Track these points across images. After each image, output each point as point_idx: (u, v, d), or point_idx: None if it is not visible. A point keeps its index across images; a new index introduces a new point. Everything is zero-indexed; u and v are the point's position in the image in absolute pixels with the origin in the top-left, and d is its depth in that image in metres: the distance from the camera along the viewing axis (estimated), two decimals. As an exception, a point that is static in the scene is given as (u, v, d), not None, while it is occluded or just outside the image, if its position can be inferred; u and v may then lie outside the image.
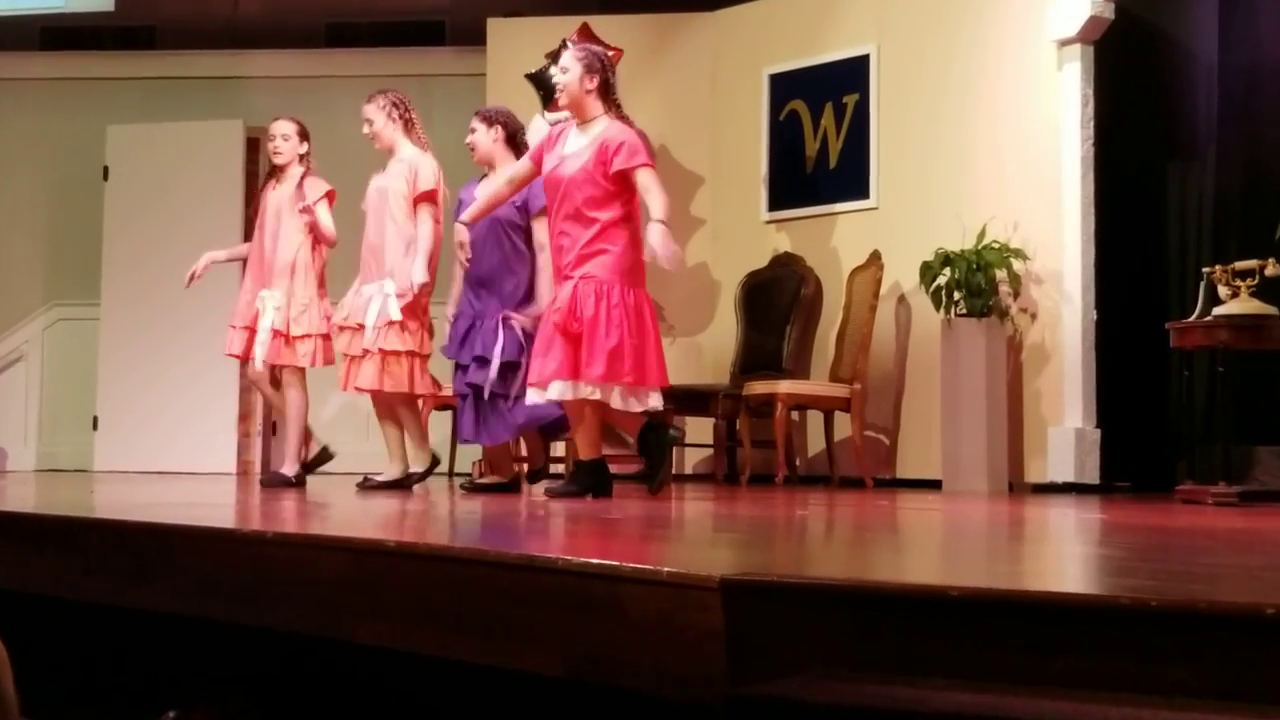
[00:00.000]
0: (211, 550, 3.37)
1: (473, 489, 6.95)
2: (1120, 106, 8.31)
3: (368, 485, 6.92)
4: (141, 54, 11.72)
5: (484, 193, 6.66)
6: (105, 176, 11.12)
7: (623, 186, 6.00)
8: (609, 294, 5.93)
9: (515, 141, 6.97)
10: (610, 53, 9.37)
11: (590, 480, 6.11)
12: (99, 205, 11.09)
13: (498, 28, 10.48)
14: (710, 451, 9.52)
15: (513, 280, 6.83)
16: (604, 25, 9.71)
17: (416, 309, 6.91)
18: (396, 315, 6.82)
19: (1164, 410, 8.06)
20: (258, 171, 10.60)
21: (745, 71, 10.04)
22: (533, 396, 6.10)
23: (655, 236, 5.78)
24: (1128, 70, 8.34)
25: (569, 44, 9.28)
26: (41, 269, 11.53)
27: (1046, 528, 4.84)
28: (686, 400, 8.97)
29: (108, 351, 10.92)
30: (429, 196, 6.94)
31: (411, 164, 6.98)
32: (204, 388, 10.44)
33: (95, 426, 10.91)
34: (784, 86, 9.82)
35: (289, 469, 7.29)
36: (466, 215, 6.56)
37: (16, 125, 11.55)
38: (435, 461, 7.15)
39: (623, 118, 6.17)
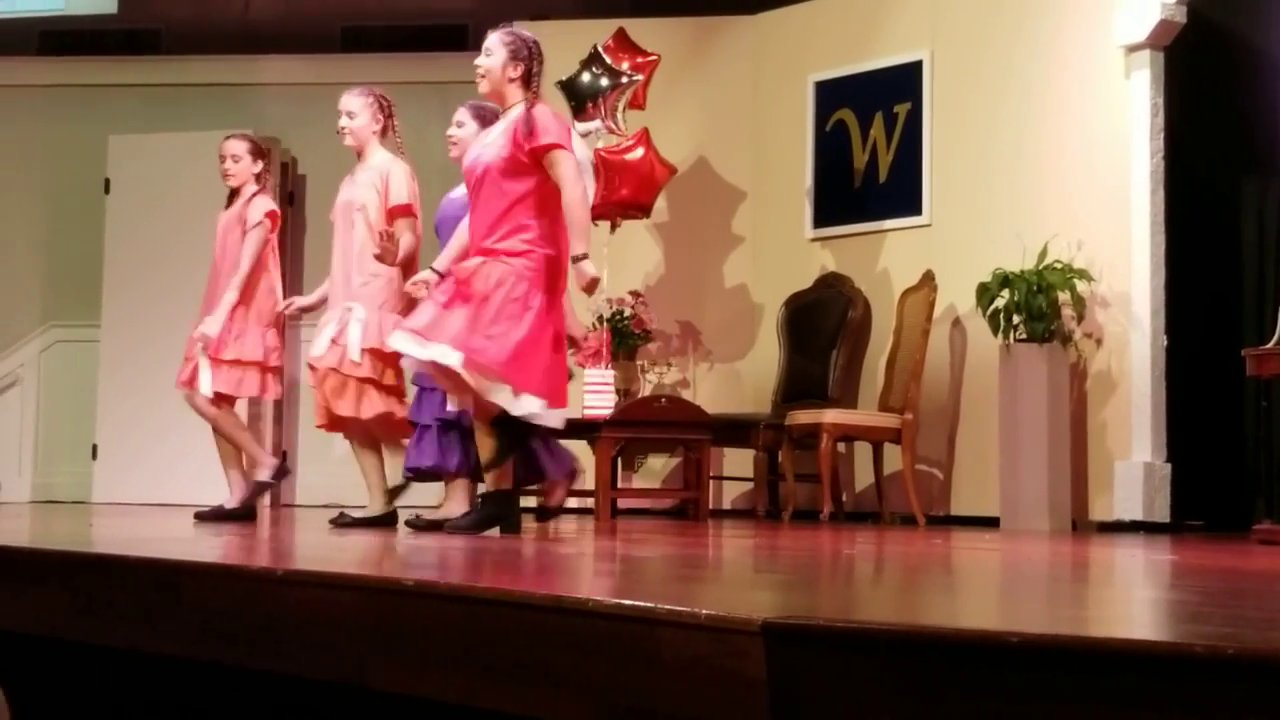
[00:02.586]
0: (218, 589, 3.38)
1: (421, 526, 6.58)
2: (1192, 116, 8.29)
3: (343, 522, 6.85)
4: (146, 59, 11.80)
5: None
6: (106, 189, 11.19)
7: (540, 170, 5.88)
8: (514, 286, 5.77)
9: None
10: (645, 59, 9.45)
11: (496, 513, 5.95)
12: (100, 220, 11.16)
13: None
14: (750, 485, 9.51)
15: None
16: (639, 29, 9.74)
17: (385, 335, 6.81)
18: (355, 354, 6.72)
19: (1239, 443, 8.02)
20: (269, 184, 10.68)
21: (789, 78, 10.05)
22: (403, 346, 5.90)
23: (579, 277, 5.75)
24: (1200, 77, 8.33)
25: (599, 51, 9.34)
26: (39, 288, 11.60)
27: (1113, 570, 4.82)
28: (725, 430, 8.98)
29: (108, 376, 10.98)
30: (405, 211, 6.85)
31: (382, 172, 6.88)
32: (210, 415, 10.45)
33: (94, 455, 10.96)
34: (830, 95, 9.83)
35: (264, 475, 7.34)
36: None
37: (13, 134, 11.63)
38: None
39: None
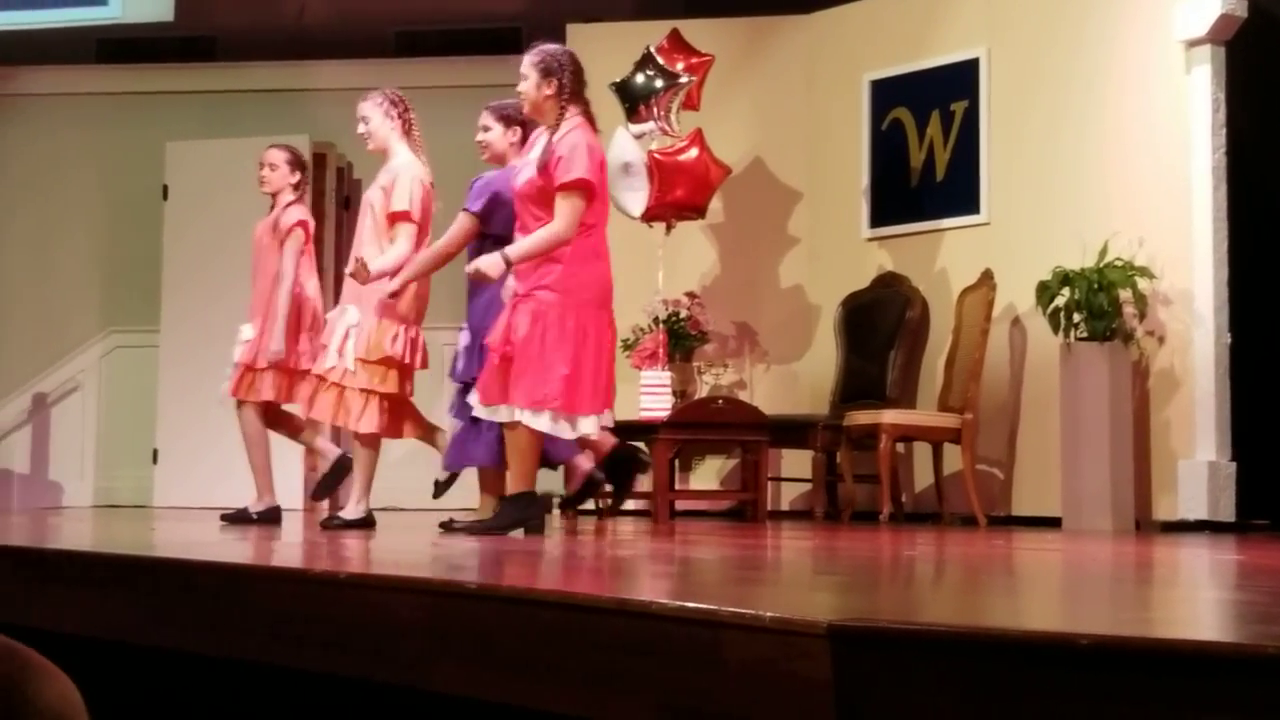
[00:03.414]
0: (281, 592, 3.40)
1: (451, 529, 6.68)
2: (1255, 111, 8.23)
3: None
4: (201, 66, 11.88)
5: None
6: (165, 195, 11.26)
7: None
8: (545, 315, 5.94)
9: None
10: (699, 59, 9.43)
11: (519, 514, 6.04)
12: (158, 226, 11.23)
13: (578, 34, 10.51)
14: (808, 486, 9.49)
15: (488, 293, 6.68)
16: (692, 30, 9.73)
17: (383, 342, 6.83)
18: (350, 363, 6.78)
19: (1306, 441, 7.96)
20: (324, 189, 10.75)
21: (844, 77, 10.03)
22: (478, 411, 6.13)
23: (480, 262, 5.98)
24: (1263, 72, 8.26)
25: (652, 52, 9.33)
26: (98, 293, 11.70)
27: (1178, 570, 4.79)
28: (783, 431, 8.96)
29: (167, 380, 11.05)
30: (403, 217, 6.85)
31: (393, 174, 6.94)
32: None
33: (155, 460, 11.04)
34: (886, 93, 9.80)
35: (260, 505, 7.45)
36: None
37: (72, 142, 11.73)
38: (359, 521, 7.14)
39: (588, 117, 6.19)
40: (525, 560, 4.80)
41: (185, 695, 3.81)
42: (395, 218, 6.85)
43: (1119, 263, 8.08)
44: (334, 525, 6.81)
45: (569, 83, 6.14)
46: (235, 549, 4.84)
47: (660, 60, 9.35)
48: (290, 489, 10.61)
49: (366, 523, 6.85)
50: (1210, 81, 8.18)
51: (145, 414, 11.15)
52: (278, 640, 3.36)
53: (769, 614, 2.31)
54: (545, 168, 6.00)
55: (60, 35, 11.52)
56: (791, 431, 9.08)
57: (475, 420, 6.56)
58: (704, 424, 8.65)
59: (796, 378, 10.11)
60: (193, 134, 11.34)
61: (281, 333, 7.34)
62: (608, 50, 10.10)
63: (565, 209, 5.96)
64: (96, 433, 11.58)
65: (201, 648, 3.56)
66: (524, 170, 6.15)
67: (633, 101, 9.27)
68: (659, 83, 9.31)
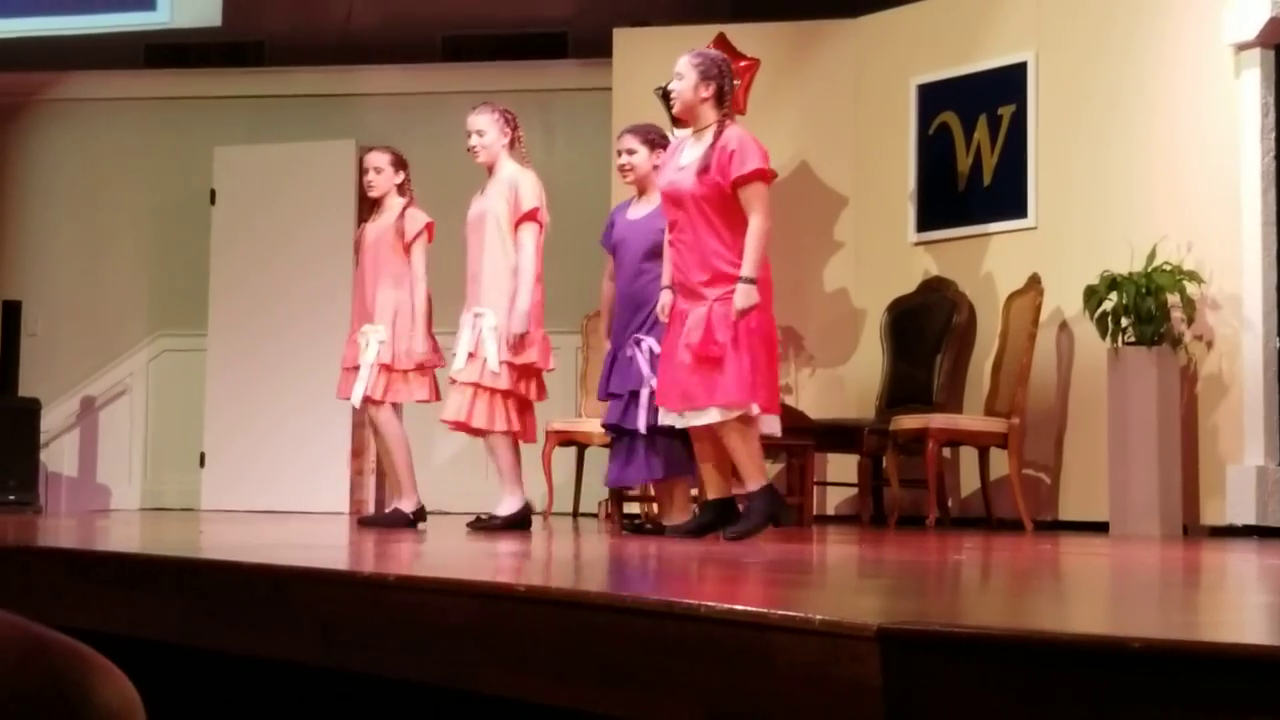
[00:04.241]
0: (329, 594, 3.42)
1: (634, 530, 6.95)
2: (1304, 115, 8.17)
3: (480, 526, 7.00)
4: (249, 71, 11.95)
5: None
6: (212, 200, 11.32)
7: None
8: (747, 317, 6.02)
9: None
10: (745, 62, 9.44)
11: (771, 508, 6.10)
12: (206, 230, 11.30)
13: (624, 39, 10.54)
14: (854, 491, 9.47)
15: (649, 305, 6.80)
16: (739, 34, 9.74)
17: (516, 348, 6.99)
18: (494, 364, 6.92)
19: (1355, 447, 7.90)
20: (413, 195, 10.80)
21: (891, 82, 10.01)
22: (666, 419, 6.18)
23: (739, 299, 5.98)
24: (1312, 75, 8.21)
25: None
26: (146, 297, 11.78)
27: (1226, 574, 4.77)
28: (828, 435, 8.95)
29: (215, 384, 11.11)
30: (531, 216, 7.02)
31: (511, 182, 7.06)
32: (315, 422, 10.57)
33: (202, 463, 11.10)
34: (933, 97, 9.78)
35: (407, 505, 7.42)
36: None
37: (120, 146, 11.82)
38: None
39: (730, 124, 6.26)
40: (572, 563, 4.81)
41: (233, 697, 3.84)
42: (526, 217, 7.01)
43: (1167, 267, 8.04)
44: (491, 526, 6.91)
45: (727, 88, 6.22)
46: (283, 551, 4.86)
47: (706, 65, 9.33)
48: (336, 490, 10.68)
49: (524, 519, 7.01)
50: (1259, 85, 8.14)
51: (193, 417, 11.22)
52: (325, 642, 3.37)
53: (818, 617, 2.30)
54: (709, 168, 6.04)
55: (109, 40, 11.60)
56: (837, 436, 9.07)
57: (627, 435, 6.72)
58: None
59: (842, 382, 10.09)
60: (240, 139, 11.41)
61: (424, 333, 7.40)
62: (656, 55, 10.09)
63: (756, 201, 6.07)
64: (144, 436, 11.66)
65: (249, 649, 3.58)
66: (684, 174, 6.16)
67: (678, 106, 9.25)
68: (705, 87, 9.29)
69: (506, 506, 6.99)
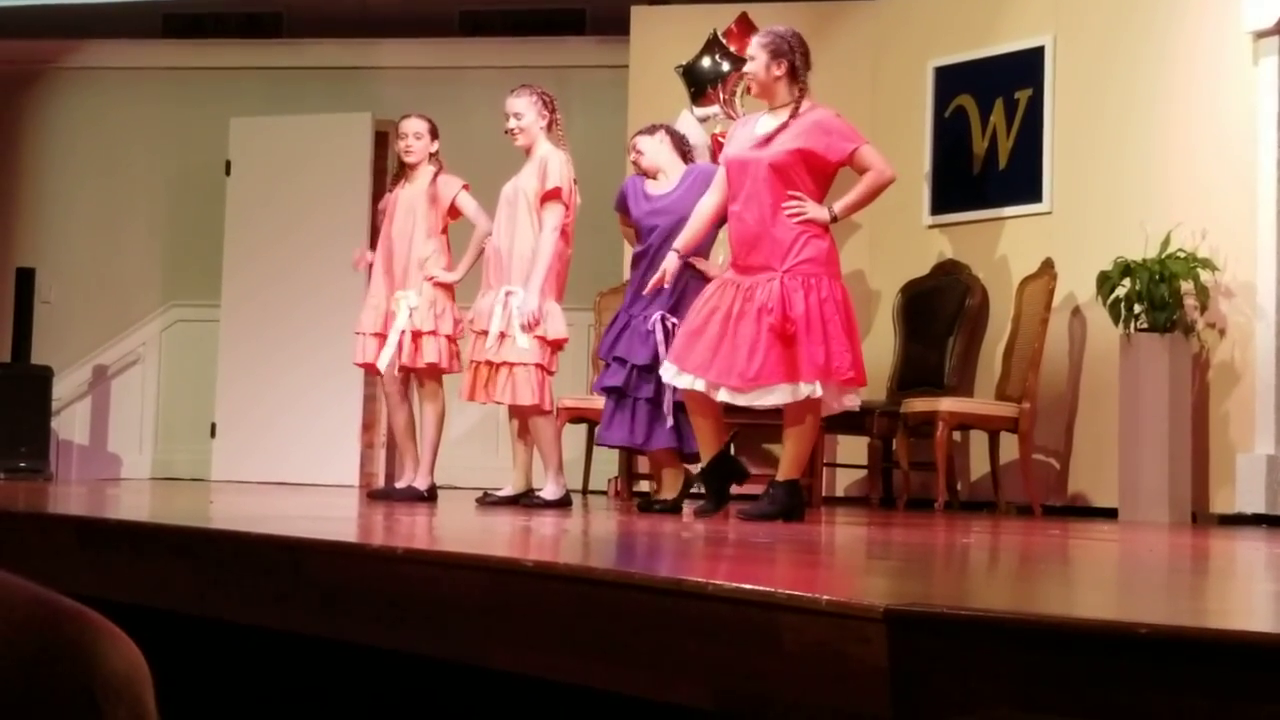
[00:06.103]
0: (338, 566, 3.42)
1: (647, 508, 6.90)
2: (1322, 104, 8.14)
3: (487, 500, 7.04)
4: (267, 43, 11.93)
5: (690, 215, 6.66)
6: (227, 171, 11.32)
7: (829, 173, 6.17)
8: (818, 287, 5.99)
9: (681, 146, 7.36)
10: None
11: (793, 501, 6.07)
12: (220, 201, 11.29)
13: (642, 16, 10.52)
14: (864, 473, 9.47)
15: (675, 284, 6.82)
16: (758, 14, 9.72)
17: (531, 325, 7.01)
18: (524, 343, 6.93)
19: (1367, 437, 7.88)
20: (385, 168, 10.77)
21: (909, 64, 9.98)
22: (731, 397, 6.07)
23: (811, 210, 6.05)
24: (1331, 64, 8.17)
25: (718, 36, 9.33)
26: (160, 267, 11.78)
27: (1234, 562, 4.76)
28: (839, 417, 8.91)
29: (227, 355, 11.12)
30: (554, 195, 7.03)
31: (543, 161, 7.09)
32: (326, 394, 10.59)
33: (213, 434, 11.11)
34: (950, 80, 9.76)
35: (422, 482, 7.42)
36: (680, 244, 6.49)
37: (137, 116, 11.80)
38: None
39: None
40: (582, 539, 4.81)
41: (241, 666, 3.85)
42: (549, 196, 7.02)
43: (1181, 254, 8.02)
44: (534, 504, 6.93)
45: (800, 64, 6.20)
46: (292, 523, 4.87)
47: (727, 44, 9.34)
48: (347, 463, 10.70)
49: (565, 501, 7.05)
50: (1277, 73, 8.10)
51: (205, 388, 11.23)
52: (334, 614, 3.38)
53: (825, 597, 2.31)
54: (813, 142, 6.08)
55: (127, 9, 11.61)
56: (848, 417, 9.04)
57: (624, 398, 6.85)
58: (761, 409, 8.62)
59: (854, 364, 10.07)
60: (257, 110, 11.39)
61: (446, 299, 7.49)
62: (674, 33, 10.11)
63: (875, 156, 6.20)
64: (156, 406, 11.67)
65: (258, 619, 3.59)
66: (752, 148, 6.14)
67: (699, 85, 9.27)
68: (725, 66, 9.31)
69: (551, 491, 7.02)
